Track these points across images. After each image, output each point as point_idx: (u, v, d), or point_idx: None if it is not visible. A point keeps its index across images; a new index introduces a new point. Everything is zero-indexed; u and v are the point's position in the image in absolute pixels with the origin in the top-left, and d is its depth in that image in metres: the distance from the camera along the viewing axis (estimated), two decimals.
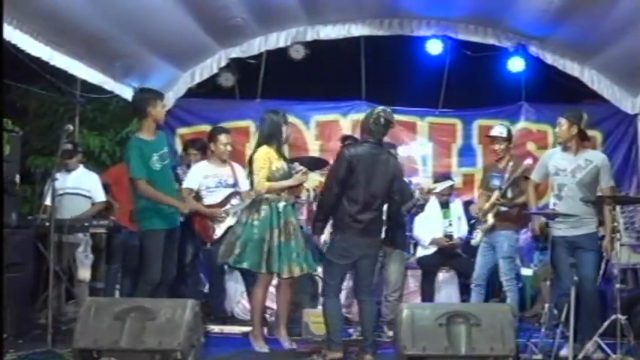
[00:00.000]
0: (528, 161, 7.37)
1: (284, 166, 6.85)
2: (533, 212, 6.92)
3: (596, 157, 6.69)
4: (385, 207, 6.41)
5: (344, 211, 6.18)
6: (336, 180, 6.19)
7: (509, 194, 7.43)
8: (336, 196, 6.18)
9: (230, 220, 7.61)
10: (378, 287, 7.89)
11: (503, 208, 7.39)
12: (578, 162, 6.56)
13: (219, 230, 7.59)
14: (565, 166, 6.59)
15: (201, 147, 8.31)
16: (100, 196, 8.05)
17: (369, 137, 6.31)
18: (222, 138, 7.83)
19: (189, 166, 8.23)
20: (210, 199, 7.72)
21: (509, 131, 7.77)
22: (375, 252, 6.49)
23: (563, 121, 6.61)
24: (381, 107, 6.46)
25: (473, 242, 7.76)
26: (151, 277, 6.43)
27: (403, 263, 7.92)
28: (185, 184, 7.73)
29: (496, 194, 7.40)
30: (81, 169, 8.11)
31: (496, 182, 7.48)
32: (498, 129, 7.81)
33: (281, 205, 6.70)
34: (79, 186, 7.92)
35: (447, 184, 8.19)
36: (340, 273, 6.37)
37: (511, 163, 7.47)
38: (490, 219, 7.43)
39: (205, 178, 7.76)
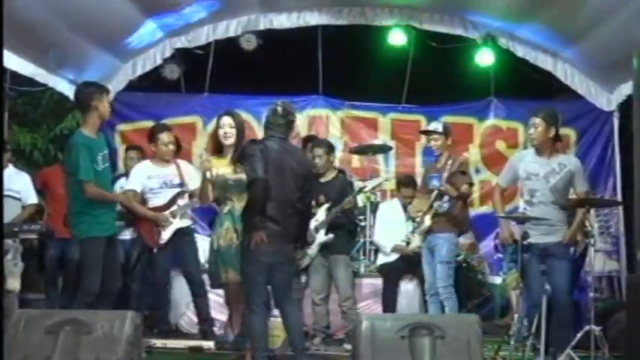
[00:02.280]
0: (465, 155, 7.41)
1: (229, 173, 6.65)
2: (503, 216, 6.99)
3: (569, 161, 6.76)
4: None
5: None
6: (258, 170, 5.91)
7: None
8: (265, 183, 5.92)
9: (178, 223, 7.59)
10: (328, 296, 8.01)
11: (442, 209, 7.44)
12: (552, 166, 6.59)
13: (165, 234, 7.58)
14: (537, 171, 6.62)
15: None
16: (32, 198, 7.97)
17: (272, 132, 6.21)
18: (164, 137, 7.79)
19: None
20: (156, 201, 7.69)
21: (445, 127, 7.73)
22: (289, 260, 6.31)
23: (538, 122, 6.58)
24: (281, 100, 6.41)
25: (409, 249, 7.88)
26: (90, 288, 6.40)
27: (350, 268, 8.04)
28: (127, 186, 7.70)
29: (434, 195, 7.45)
30: (10, 168, 8.02)
31: (435, 183, 7.49)
32: (433, 124, 7.88)
33: (224, 211, 6.70)
34: (8, 187, 7.80)
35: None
36: (259, 283, 6.08)
37: (450, 161, 7.52)
38: (427, 221, 7.45)
39: (149, 179, 7.74)
